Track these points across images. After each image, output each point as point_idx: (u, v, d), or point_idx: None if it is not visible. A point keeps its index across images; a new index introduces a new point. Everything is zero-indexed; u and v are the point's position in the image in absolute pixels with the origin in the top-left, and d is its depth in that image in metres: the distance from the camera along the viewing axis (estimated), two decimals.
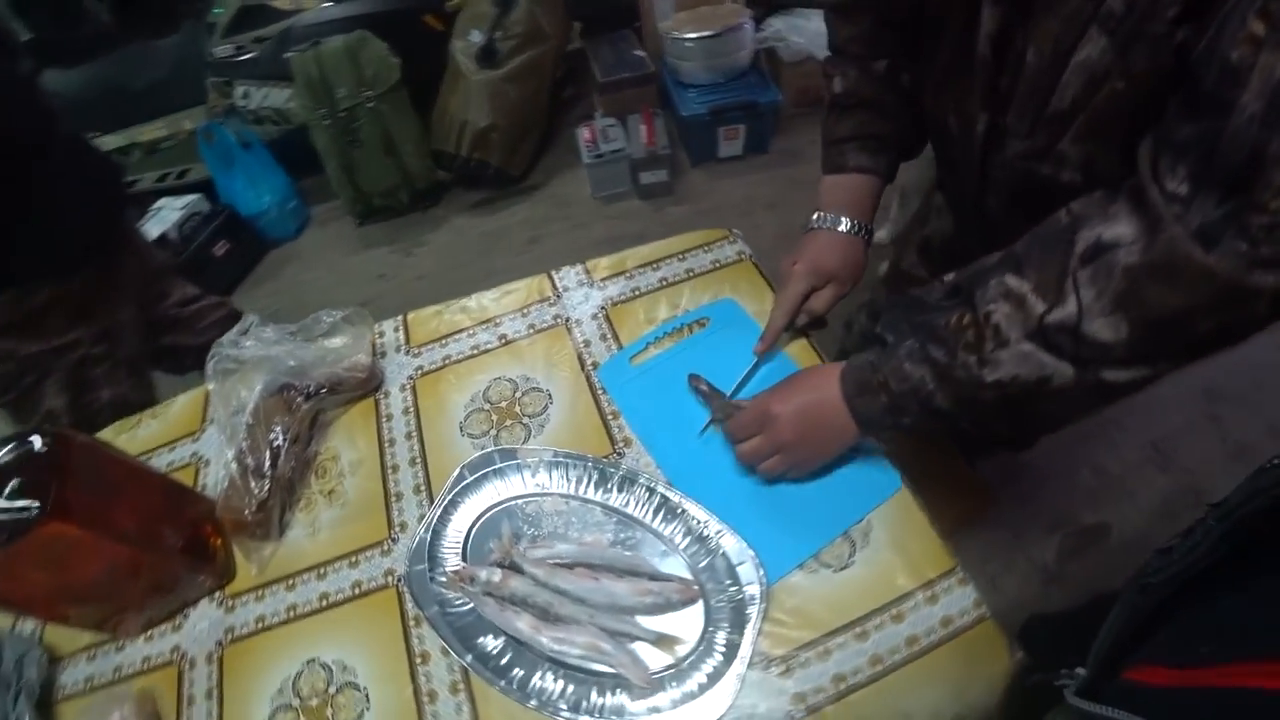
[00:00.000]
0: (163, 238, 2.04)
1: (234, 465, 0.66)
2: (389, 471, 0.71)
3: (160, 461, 0.79)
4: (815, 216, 0.72)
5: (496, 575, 0.58)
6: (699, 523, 0.60)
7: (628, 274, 0.85)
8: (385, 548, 0.66)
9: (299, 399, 0.71)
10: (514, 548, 0.61)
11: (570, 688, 0.54)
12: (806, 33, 2.27)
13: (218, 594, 0.66)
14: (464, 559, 0.62)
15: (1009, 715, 0.53)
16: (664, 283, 0.84)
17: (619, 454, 0.68)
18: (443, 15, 2.33)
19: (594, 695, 0.53)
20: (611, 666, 0.54)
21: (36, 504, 0.51)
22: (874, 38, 0.68)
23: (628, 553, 0.60)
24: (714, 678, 0.53)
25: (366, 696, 0.57)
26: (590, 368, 0.76)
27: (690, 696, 0.52)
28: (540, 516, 0.64)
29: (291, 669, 0.60)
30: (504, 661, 0.56)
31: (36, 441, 0.54)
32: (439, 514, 0.65)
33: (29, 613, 0.65)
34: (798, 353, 0.73)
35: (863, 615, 0.56)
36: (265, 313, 0.82)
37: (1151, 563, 0.38)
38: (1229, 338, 0.41)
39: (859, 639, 0.55)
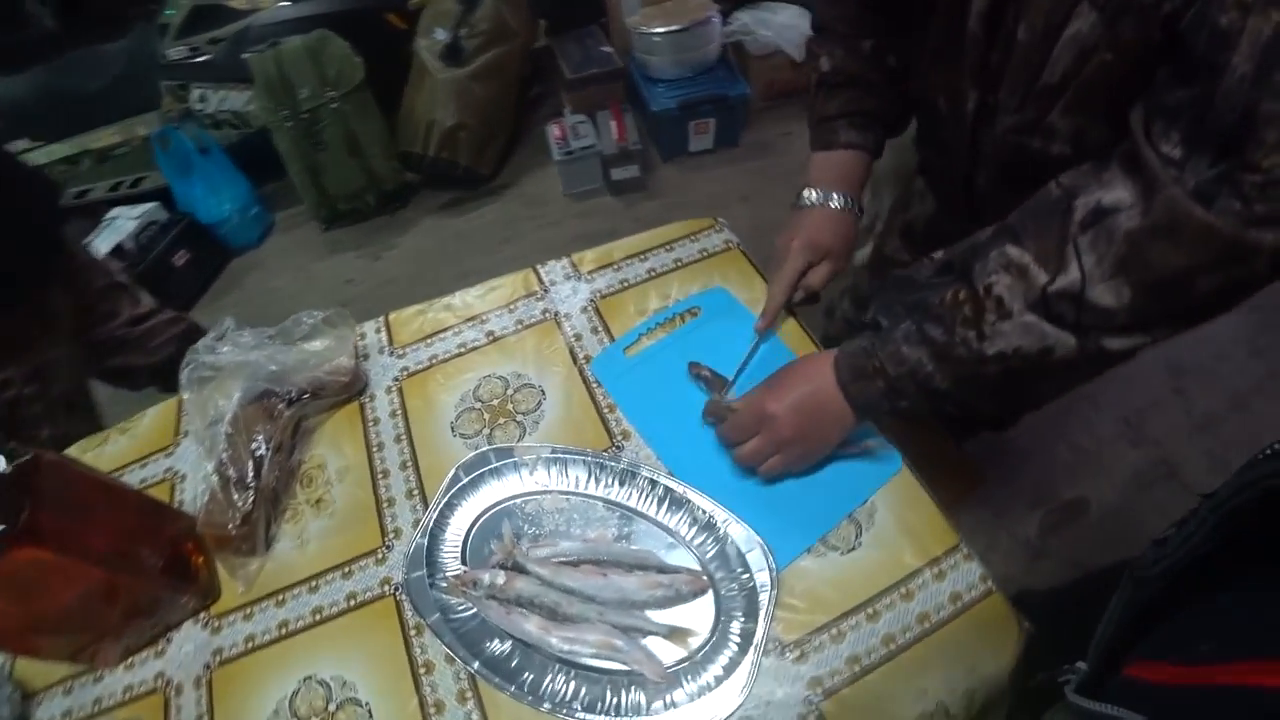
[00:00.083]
0: (118, 248, 1.96)
1: (214, 478, 0.63)
2: (379, 477, 0.69)
3: (132, 479, 0.74)
4: (806, 193, 0.72)
5: (500, 577, 0.57)
6: (704, 512, 0.60)
7: (615, 266, 0.84)
8: (380, 556, 0.63)
9: (280, 405, 0.68)
10: (516, 548, 0.59)
11: (584, 688, 0.52)
12: (774, 26, 2.28)
13: (203, 615, 0.63)
14: (464, 563, 0.60)
15: (1019, 687, 0.54)
16: (652, 273, 0.83)
17: (618, 447, 0.67)
18: (405, 13, 2.27)
19: (609, 694, 0.52)
20: (625, 664, 0.53)
21: (3, 527, 0.47)
22: (858, 18, 0.68)
23: (634, 547, 0.59)
24: (729, 668, 0.52)
25: (369, 712, 0.55)
26: (583, 361, 0.74)
27: (706, 689, 0.51)
28: (541, 515, 0.63)
29: (287, 688, 0.57)
30: (513, 665, 0.54)
31: (0, 461, 0.51)
32: (435, 518, 0.63)
33: None
34: (792, 340, 0.73)
35: (873, 596, 0.55)
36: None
37: (1147, 554, 0.38)
38: (1228, 299, 0.41)
39: (871, 619, 0.54)
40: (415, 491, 0.67)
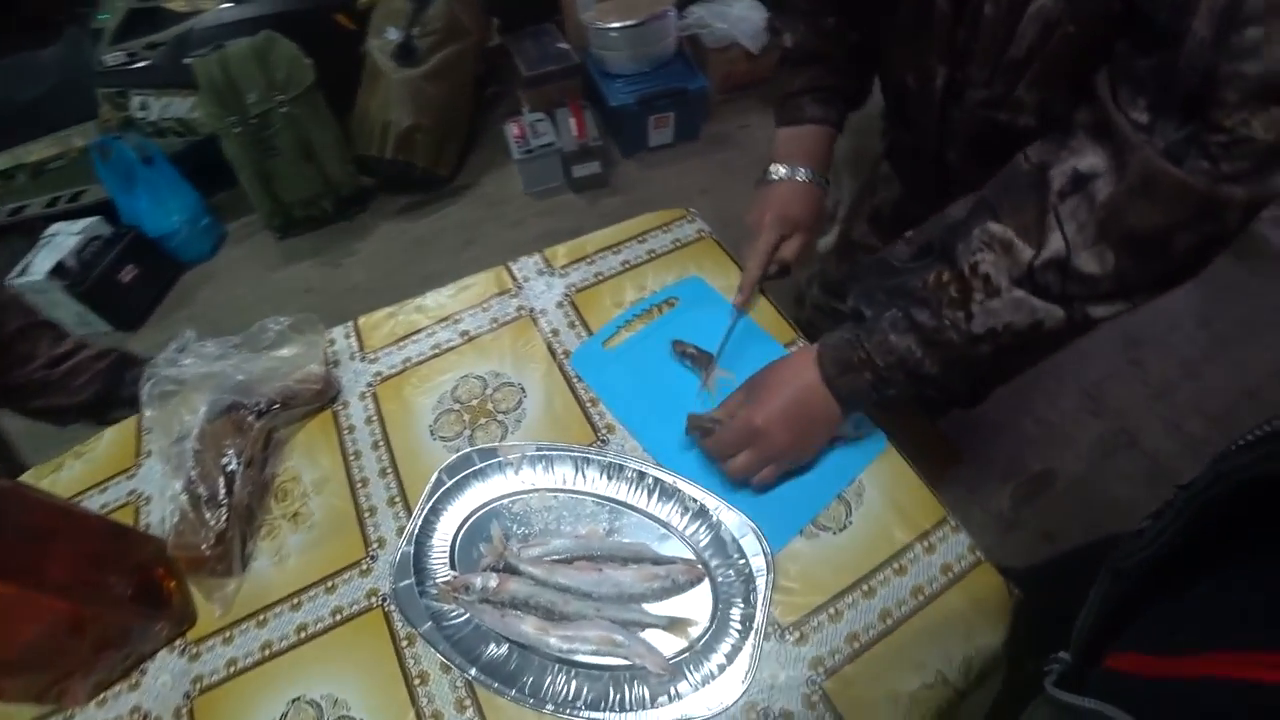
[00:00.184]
0: (59, 266, 1.86)
1: (184, 497, 0.60)
2: (358, 486, 0.67)
3: (92, 505, 0.70)
4: (773, 168, 0.73)
5: (493, 580, 0.55)
6: (695, 501, 0.59)
7: (588, 259, 0.83)
8: (364, 567, 0.61)
9: (250, 417, 0.66)
10: (506, 549, 0.58)
11: (586, 687, 0.51)
12: (729, 18, 2.29)
13: (179, 642, 0.60)
14: (453, 568, 0.59)
15: (1012, 655, 0.55)
16: (626, 266, 0.82)
17: (603, 441, 0.66)
18: (353, 13, 2.21)
19: (612, 691, 0.51)
20: (626, 658, 0.52)
21: None
22: None
23: (627, 539, 0.58)
24: (731, 655, 0.52)
25: None
26: (562, 357, 0.73)
27: (710, 678, 0.51)
28: (529, 514, 0.61)
29: (275, 711, 0.54)
30: (511, 669, 0.53)
31: None
32: (420, 524, 0.61)
33: None
34: (768, 321, 0.73)
35: (867, 573, 0.56)
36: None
37: (1124, 546, 0.38)
38: (1203, 256, 0.43)
39: (867, 596, 0.55)
40: (397, 499, 0.65)
